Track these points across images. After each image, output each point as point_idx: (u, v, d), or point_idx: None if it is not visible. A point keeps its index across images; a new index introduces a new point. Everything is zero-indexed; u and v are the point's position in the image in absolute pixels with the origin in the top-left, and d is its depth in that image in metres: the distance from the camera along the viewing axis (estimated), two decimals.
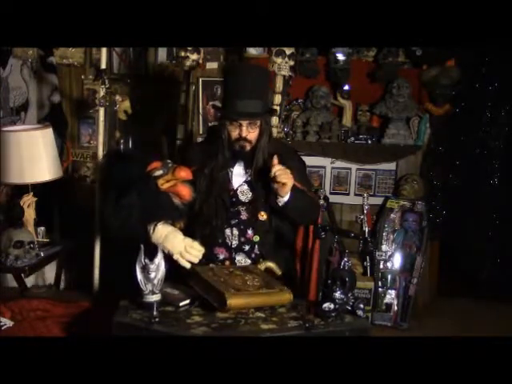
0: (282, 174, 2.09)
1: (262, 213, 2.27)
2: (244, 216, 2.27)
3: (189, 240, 2.06)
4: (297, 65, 3.52)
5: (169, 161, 2.10)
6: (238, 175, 2.31)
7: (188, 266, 2.04)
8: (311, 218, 2.26)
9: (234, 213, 2.28)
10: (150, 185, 2.06)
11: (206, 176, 2.27)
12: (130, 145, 3.56)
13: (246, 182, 2.31)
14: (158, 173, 2.05)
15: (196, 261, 2.05)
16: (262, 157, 2.25)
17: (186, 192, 2.11)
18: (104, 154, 3.09)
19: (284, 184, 2.10)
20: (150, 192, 2.06)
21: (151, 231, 2.05)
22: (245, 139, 2.22)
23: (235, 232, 2.27)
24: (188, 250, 2.03)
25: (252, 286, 1.97)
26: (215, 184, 2.27)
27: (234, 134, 2.23)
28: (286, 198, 2.15)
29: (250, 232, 2.26)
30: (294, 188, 2.16)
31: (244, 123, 2.21)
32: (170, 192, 2.10)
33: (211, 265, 2.21)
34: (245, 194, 2.29)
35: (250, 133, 2.23)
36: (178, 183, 2.08)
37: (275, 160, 2.13)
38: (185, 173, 2.08)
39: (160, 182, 2.06)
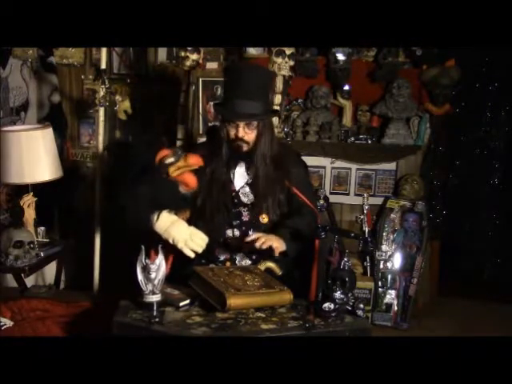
0: (267, 243, 2.11)
1: (264, 215, 2.26)
2: (245, 217, 2.27)
3: (193, 229, 2.09)
4: (297, 65, 3.52)
5: (178, 148, 2.11)
6: (240, 176, 2.30)
7: (192, 254, 2.06)
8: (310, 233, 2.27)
9: (236, 214, 2.27)
10: (158, 173, 2.08)
11: (207, 175, 2.27)
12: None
13: (247, 183, 2.30)
14: (170, 160, 2.06)
15: (199, 250, 2.07)
16: (263, 158, 2.25)
17: (191, 180, 2.14)
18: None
19: (276, 246, 2.12)
20: (158, 181, 2.09)
21: (155, 219, 2.07)
22: (241, 140, 2.21)
23: (236, 233, 2.26)
24: (192, 239, 2.05)
25: (252, 286, 1.97)
26: (216, 184, 2.26)
27: (232, 134, 2.22)
28: (285, 248, 2.17)
29: (251, 233, 2.25)
30: (287, 230, 2.19)
31: (241, 124, 2.19)
32: (177, 180, 2.12)
33: (211, 265, 2.21)
34: (246, 196, 2.29)
35: (248, 134, 2.21)
36: (184, 171, 2.10)
37: (249, 238, 2.15)
38: (196, 159, 2.13)
39: (171, 169, 2.08)
